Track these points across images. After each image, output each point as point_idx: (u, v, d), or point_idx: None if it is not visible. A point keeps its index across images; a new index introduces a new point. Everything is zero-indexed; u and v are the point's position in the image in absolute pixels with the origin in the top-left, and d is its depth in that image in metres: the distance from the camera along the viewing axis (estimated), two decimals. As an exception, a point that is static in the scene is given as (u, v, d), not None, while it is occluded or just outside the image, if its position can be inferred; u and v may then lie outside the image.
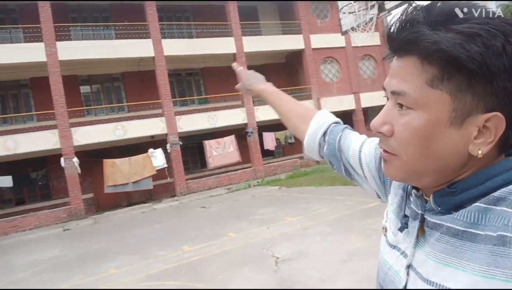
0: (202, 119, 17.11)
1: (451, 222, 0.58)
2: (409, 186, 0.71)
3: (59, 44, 14.65)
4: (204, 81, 19.44)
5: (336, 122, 1.03)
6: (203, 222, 10.58)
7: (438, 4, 0.58)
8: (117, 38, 16.54)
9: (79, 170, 14.36)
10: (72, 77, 15.98)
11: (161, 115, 16.35)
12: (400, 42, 0.59)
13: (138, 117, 16.39)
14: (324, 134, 1.01)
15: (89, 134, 14.90)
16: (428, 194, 0.65)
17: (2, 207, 15.25)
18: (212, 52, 17.28)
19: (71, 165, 14.20)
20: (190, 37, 18.62)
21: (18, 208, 15.20)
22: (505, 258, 0.50)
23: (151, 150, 15.20)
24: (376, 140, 0.89)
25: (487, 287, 0.51)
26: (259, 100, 14.95)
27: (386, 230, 0.75)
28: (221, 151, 16.96)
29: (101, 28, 17.20)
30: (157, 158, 15.15)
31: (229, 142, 17.10)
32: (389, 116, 0.62)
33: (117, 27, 16.75)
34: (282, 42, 19.28)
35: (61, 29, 15.30)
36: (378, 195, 0.90)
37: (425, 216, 0.63)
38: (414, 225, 0.65)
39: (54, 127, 14.52)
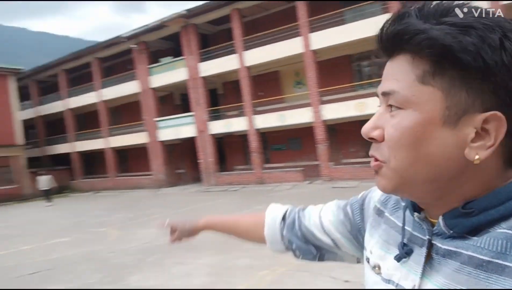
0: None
1: (473, 250, 0.49)
2: (404, 213, 0.62)
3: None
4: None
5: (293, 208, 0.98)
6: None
7: (433, 3, 0.52)
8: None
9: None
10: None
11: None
12: (388, 36, 0.53)
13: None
14: (284, 218, 0.95)
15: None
16: (433, 216, 0.56)
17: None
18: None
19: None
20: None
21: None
22: None
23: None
24: (338, 201, 0.88)
25: None
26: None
27: (379, 268, 0.65)
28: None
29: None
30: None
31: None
32: (380, 120, 0.55)
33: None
34: None
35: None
36: (358, 259, 0.84)
37: (434, 242, 0.55)
38: (419, 253, 0.56)
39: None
